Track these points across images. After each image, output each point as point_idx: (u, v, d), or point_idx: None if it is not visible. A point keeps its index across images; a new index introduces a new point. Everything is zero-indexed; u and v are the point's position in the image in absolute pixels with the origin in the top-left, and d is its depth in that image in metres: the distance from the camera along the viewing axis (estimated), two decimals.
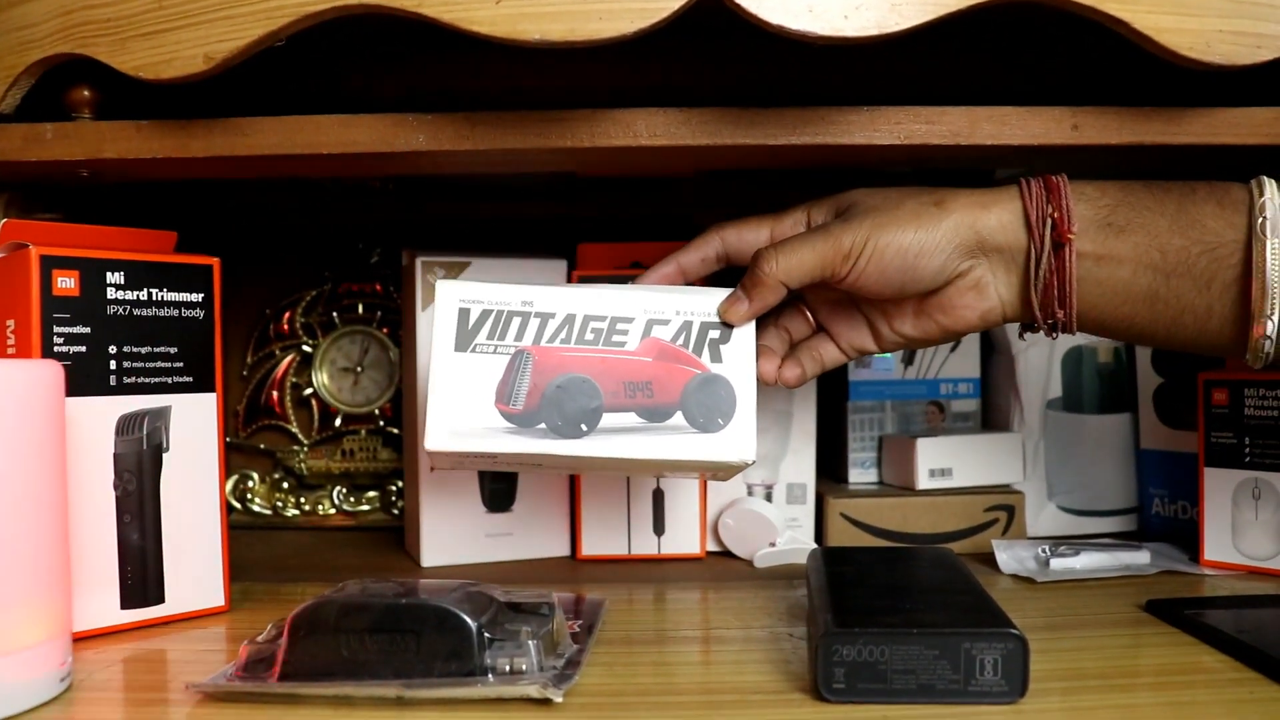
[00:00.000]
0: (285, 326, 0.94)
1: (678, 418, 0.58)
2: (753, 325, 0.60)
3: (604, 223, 0.88)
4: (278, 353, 0.94)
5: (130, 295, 0.60)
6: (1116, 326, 0.58)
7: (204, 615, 0.63)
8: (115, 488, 0.59)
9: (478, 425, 0.57)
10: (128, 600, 0.60)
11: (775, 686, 0.50)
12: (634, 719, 0.46)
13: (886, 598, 0.52)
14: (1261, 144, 0.58)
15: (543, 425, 0.58)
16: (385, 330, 0.94)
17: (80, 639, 0.57)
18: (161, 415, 0.61)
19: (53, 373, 0.50)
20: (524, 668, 0.48)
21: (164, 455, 0.61)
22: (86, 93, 0.62)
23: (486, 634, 0.49)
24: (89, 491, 0.58)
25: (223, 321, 0.64)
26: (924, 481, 0.81)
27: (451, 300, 0.59)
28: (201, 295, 0.63)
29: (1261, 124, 0.58)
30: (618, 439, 0.58)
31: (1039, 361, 0.84)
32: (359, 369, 0.94)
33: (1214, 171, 0.57)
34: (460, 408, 0.57)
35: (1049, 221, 0.55)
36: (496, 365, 0.58)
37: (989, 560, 0.74)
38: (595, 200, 0.87)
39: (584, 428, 0.58)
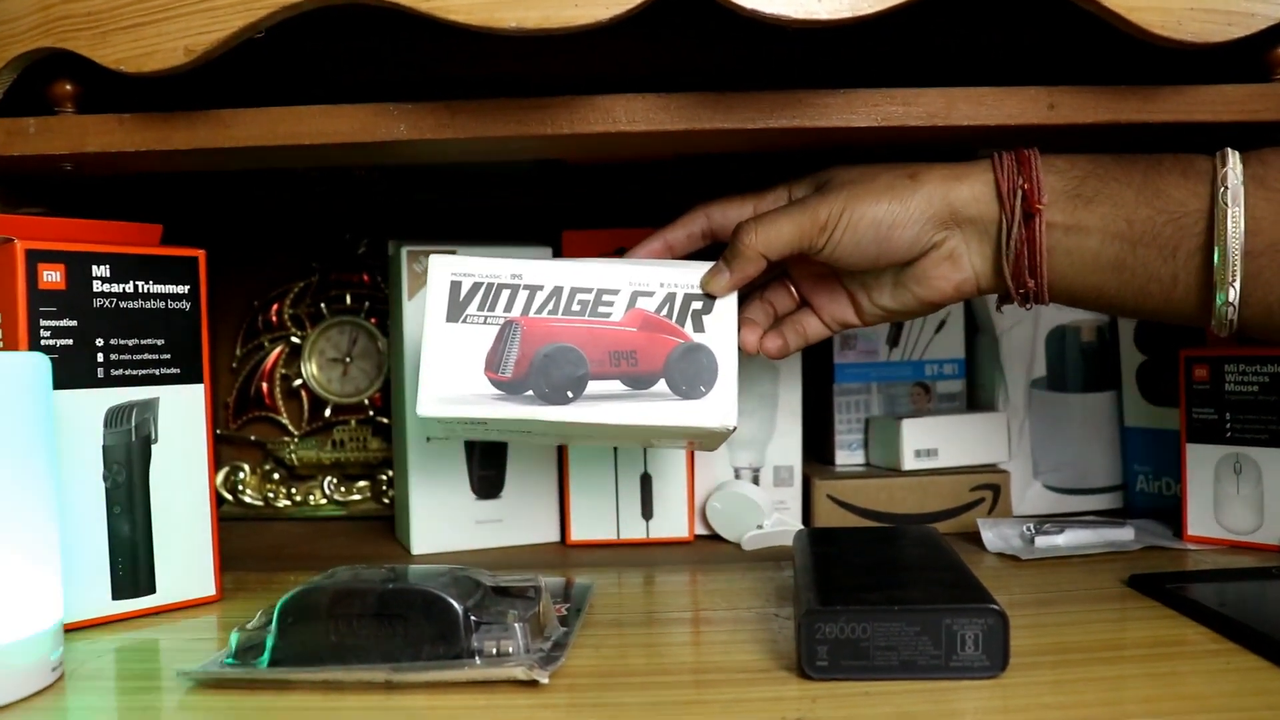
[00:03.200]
0: (274, 318, 0.94)
1: (661, 385, 0.60)
2: (734, 297, 0.61)
3: (588, 209, 0.89)
4: (266, 344, 0.94)
5: (116, 288, 0.60)
6: (1086, 295, 0.59)
7: (195, 605, 0.63)
8: (105, 479, 0.60)
9: (468, 392, 0.59)
10: (119, 591, 0.60)
11: (761, 665, 0.50)
12: (621, 699, 0.47)
13: (869, 576, 0.53)
14: (1235, 120, 0.58)
15: (530, 392, 0.59)
16: (374, 320, 0.94)
17: (72, 629, 0.57)
18: (150, 407, 0.61)
19: (40, 365, 0.50)
20: (510, 650, 0.49)
21: (153, 446, 0.61)
22: (68, 87, 0.62)
23: (473, 617, 0.49)
24: (79, 483, 0.59)
25: (211, 314, 0.64)
26: (910, 462, 0.81)
27: (444, 273, 0.60)
28: (187, 287, 0.63)
29: (1234, 101, 0.59)
30: (603, 406, 0.59)
31: (1023, 341, 0.85)
32: (348, 359, 0.94)
33: (1190, 150, 0.57)
34: (451, 375, 0.59)
35: (1020, 193, 0.56)
36: (486, 335, 0.60)
37: (975, 539, 0.74)
38: (579, 187, 0.87)
39: (570, 395, 0.59)
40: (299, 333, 0.94)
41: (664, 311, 0.61)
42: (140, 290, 0.61)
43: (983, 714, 0.44)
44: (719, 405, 0.60)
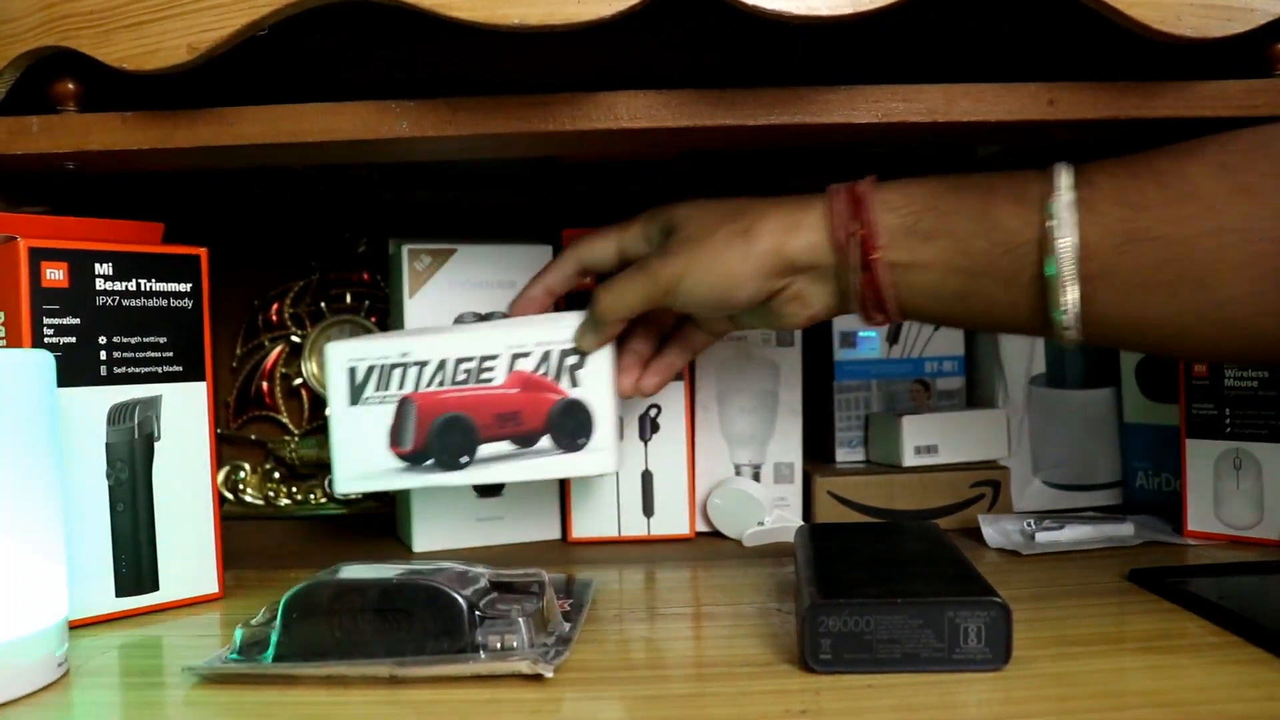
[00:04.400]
0: (274, 317, 0.95)
1: (545, 440, 0.66)
2: (610, 349, 0.66)
3: (589, 208, 0.89)
4: (267, 344, 0.94)
5: (119, 286, 0.60)
6: (936, 319, 0.61)
7: (198, 602, 0.64)
8: (108, 477, 0.60)
9: (377, 468, 0.66)
10: (122, 588, 0.60)
11: (764, 659, 0.50)
12: (625, 692, 0.47)
13: (871, 570, 0.53)
14: (1235, 116, 0.59)
15: (431, 461, 0.66)
16: (374, 319, 0.94)
17: (76, 627, 0.57)
18: (152, 405, 0.62)
19: (44, 362, 0.51)
20: (515, 645, 0.49)
21: (155, 444, 0.62)
22: (71, 85, 0.62)
23: (478, 612, 0.49)
24: (82, 481, 0.59)
25: (211, 314, 0.64)
26: (910, 459, 0.81)
27: (340, 362, 0.67)
28: (190, 285, 0.63)
29: (1234, 96, 0.59)
30: (495, 466, 0.66)
31: (1022, 338, 0.85)
32: None
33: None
34: (360, 454, 0.66)
35: (856, 239, 0.56)
36: (386, 413, 0.66)
37: (976, 535, 0.75)
38: (580, 186, 0.87)
39: (464, 460, 0.66)
40: (299, 332, 0.94)
41: (542, 370, 0.66)
42: (143, 288, 0.61)
43: (986, 706, 0.44)
44: (599, 454, 0.66)
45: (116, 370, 0.60)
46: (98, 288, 0.59)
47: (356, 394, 0.66)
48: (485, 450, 0.66)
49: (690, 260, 0.59)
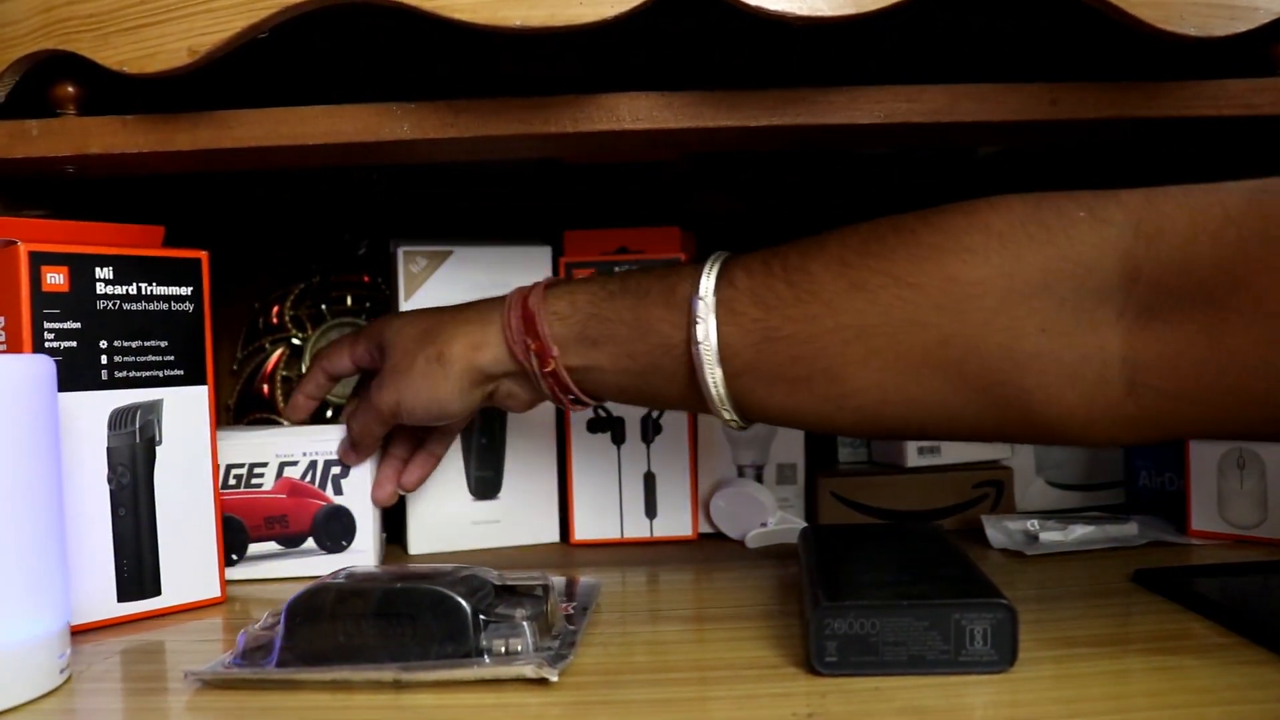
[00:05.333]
0: (274, 319, 0.94)
1: (310, 543, 0.71)
2: (370, 460, 0.72)
3: (591, 209, 0.89)
4: (267, 346, 0.94)
5: (120, 290, 0.60)
6: (630, 404, 0.64)
7: (201, 606, 0.63)
8: (109, 481, 0.59)
9: None
10: (124, 593, 0.60)
11: (769, 661, 0.50)
12: (630, 696, 0.47)
13: (877, 572, 0.53)
14: (1238, 115, 0.59)
15: None
16: None
17: (78, 632, 0.57)
18: (154, 409, 0.61)
19: (45, 367, 0.50)
20: (519, 649, 0.49)
21: (157, 448, 0.61)
22: (71, 89, 0.62)
23: (482, 616, 0.49)
24: (83, 485, 0.58)
25: (212, 316, 0.64)
26: (913, 459, 0.81)
27: None
28: (191, 289, 0.63)
29: (1236, 96, 0.59)
30: (263, 564, 0.71)
31: None
32: None
33: (1194, 143, 0.57)
34: None
35: (531, 351, 0.60)
36: None
37: (979, 536, 0.74)
38: (582, 187, 0.87)
39: (234, 557, 0.70)
40: (300, 334, 0.94)
41: (308, 477, 0.71)
42: (144, 292, 0.61)
43: (993, 708, 0.44)
44: (360, 555, 0.72)
45: (117, 374, 0.60)
46: (98, 292, 0.59)
47: None
48: (254, 549, 0.71)
49: (400, 390, 0.63)
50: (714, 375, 0.55)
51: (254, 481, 0.71)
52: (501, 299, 0.62)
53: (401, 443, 0.73)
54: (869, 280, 0.52)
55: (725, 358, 0.54)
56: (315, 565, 0.71)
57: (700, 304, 0.54)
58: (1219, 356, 0.46)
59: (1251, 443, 0.71)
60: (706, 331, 0.54)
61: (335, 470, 0.72)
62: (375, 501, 0.72)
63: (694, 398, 0.57)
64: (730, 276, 0.55)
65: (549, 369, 0.59)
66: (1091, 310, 0.48)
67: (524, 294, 0.60)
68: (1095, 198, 0.49)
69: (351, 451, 0.71)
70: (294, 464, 0.72)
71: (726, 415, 0.57)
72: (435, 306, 0.67)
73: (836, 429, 0.58)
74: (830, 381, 0.53)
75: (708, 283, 0.55)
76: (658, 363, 0.57)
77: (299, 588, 0.51)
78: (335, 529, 0.72)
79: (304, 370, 0.93)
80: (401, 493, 0.74)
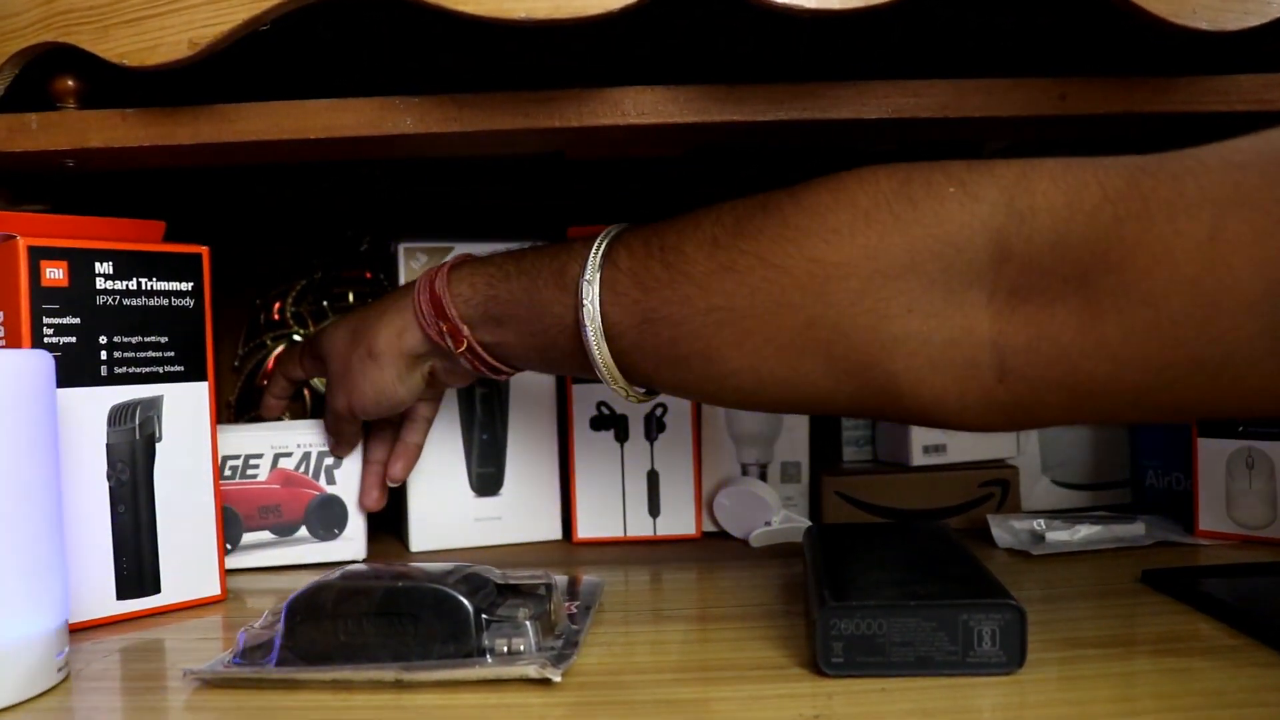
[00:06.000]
0: (276, 316, 0.94)
1: (303, 531, 0.73)
2: (359, 452, 0.74)
3: (592, 205, 0.88)
4: (269, 343, 0.94)
5: (120, 285, 0.60)
6: (553, 374, 0.67)
7: (200, 604, 0.63)
8: (109, 478, 0.59)
9: None
10: (124, 590, 0.60)
11: (774, 662, 0.50)
12: (634, 696, 0.46)
13: (883, 572, 0.52)
14: (1249, 110, 0.58)
15: None
16: None
17: (76, 630, 0.57)
18: (154, 405, 0.61)
19: (43, 362, 0.50)
20: (522, 648, 0.48)
21: (157, 445, 0.61)
22: (71, 82, 0.61)
23: (484, 615, 0.49)
24: (83, 482, 0.58)
25: (214, 312, 0.64)
26: (918, 458, 0.81)
27: None
28: (191, 284, 0.63)
29: (1249, 91, 0.58)
30: (256, 553, 0.72)
31: None
32: None
33: (1205, 139, 0.57)
34: None
35: (445, 334, 0.60)
36: None
37: (984, 536, 0.74)
38: (585, 183, 0.87)
39: (229, 546, 0.71)
40: (301, 331, 0.94)
41: (302, 468, 0.73)
42: (144, 287, 0.61)
43: (1002, 710, 0.43)
44: (350, 544, 0.74)
45: (117, 370, 0.59)
46: (98, 287, 0.59)
47: None
48: (249, 538, 0.72)
49: (346, 391, 0.66)
50: (601, 354, 0.55)
51: (249, 472, 0.72)
52: (408, 286, 0.63)
53: (378, 445, 0.75)
54: (738, 261, 0.51)
55: (611, 337, 0.54)
56: (307, 553, 0.73)
57: (586, 286, 0.54)
58: (1090, 344, 0.44)
59: (1260, 443, 0.70)
60: (592, 314, 0.54)
61: (328, 461, 0.74)
62: (363, 508, 0.74)
63: (594, 371, 0.57)
64: (614, 256, 0.55)
65: (463, 348, 0.60)
66: (961, 291, 0.47)
67: (430, 278, 0.61)
68: (969, 170, 0.47)
69: (336, 447, 0.74)
70: (288, 455, 0.73)
71: (619, 389, 0.57)
72: (362, 306, 0.71)
73: (724, 404, 0.58)
74: (707, 363, 0.53)
75: (593, 264, 0.55)
76: (555, 340, 0.57)
77: (297, 580, 0.50)
78: (327, 517, 0.74)
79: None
80: (392, 484, 0.75)
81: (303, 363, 0.73)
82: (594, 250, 0.55)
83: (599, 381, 0.57)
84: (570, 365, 0.59)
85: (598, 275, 0.54)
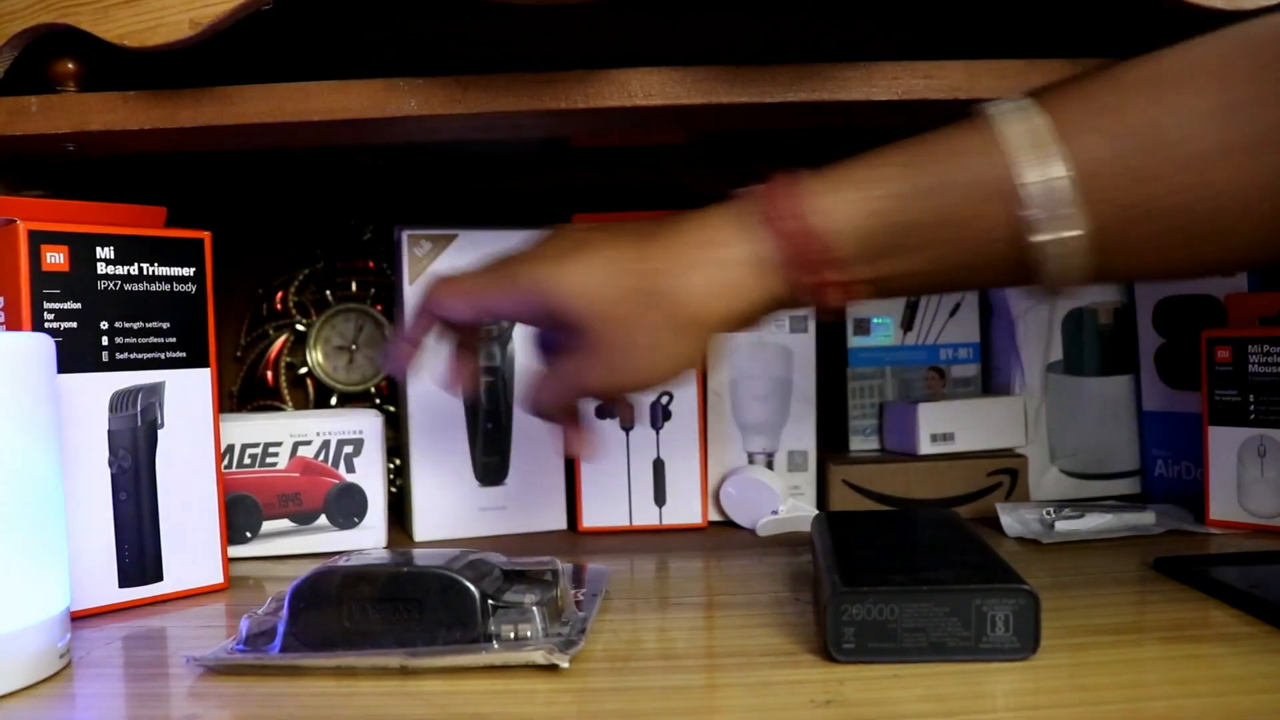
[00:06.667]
0: (278, 305, 0.93)
1: (323, 519, 0.72)
2: (380, 439, 0.74)
3: (599, 193, 0.88)
4: (271, 332, 0.93)
5: (121, 270, 0.59)
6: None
7: (203, 592, 0.62)
8: (110, 465, 0.58)
9: None
10: (126, 578, 0.59)
11: (784, 649, 0.49)
12: (642, 682, 0.45)
13: (894, 558, 0.52)
14: None
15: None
16: (379, 307, 0.93)
17: (78, 618, 0.56)
18: (155, 391, 0.60)
19: (43, 345, 0.49)
20: (529, 634, 0.48)
21: (159, 431, 0.60)
22: (71, 65, 0.61)
23: (490, 601, 0.48)
24: (84, 469, 0.57)
25: (215, 302, 0.63)
26: (926, 447, 0.80)
27: None
28: (193, 270, 0.62)
29: None
30: (276, 541, 0.72)
31: (1039, 324, 0.84)
32: (354, 347, 0.93)
33: None
34: None
35: (810, 288, 0.47)
36: None
37: (993, 524, 0.73)
38: (590, 170, 0.86)
39: (248, 534, 0.71)
40: (304, 320, 0.93)
41: (321, 456, 0.72)
42: (145, 272, 0.60)
43: (1016, 696, 0.43)
44: (371, 531, 0.73)
45: (119, 356, 0.59)
46: (99, 272, 0.58)
47: None
48: (268, 526, 0.72)
49: (624, 371, 0.49)
50: (1070, 258, 0.45)
51: (268, 461, 0.72)
52: (713, 213, 0.49)
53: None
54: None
55: (1086, 234, 0.44)
56: (327, 541, 0.72)
57: (1043, 188, 0.44)
58: None
59: (1272, 430, 0.69)
60: (1062, 215, 0.44)
61: (348, 449, 0.73)
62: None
63: (1024, 276, 0.47)
64: (1073, 140, 0.44)
65: (832, 296, 0.47)
66: None
67: (776, 214, 0.47)
68: None
69: (579, 447, 0.57)
70: (307, 443, 0.72)
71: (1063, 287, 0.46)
72: (598, 237, 0.50)
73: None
74: (1215, 243, 0.45)
75: (1040, 154, 0.44)
76: (980, 256, 0.46)
77: (308, 568, 0.50)
78: (347, 506, 0.73)
79: (311, 355, 0.92)
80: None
81: (489, 303, 0.52)
82: (1031, 138, 0.44)
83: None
84: (986, 279, 0.51)
85: (1062, 166, 0.44)
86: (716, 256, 0.47)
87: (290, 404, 0.93)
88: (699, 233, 0.48)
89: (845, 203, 0.46)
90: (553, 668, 0.46)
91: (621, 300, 0.48)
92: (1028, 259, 0.45)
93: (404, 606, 0.48)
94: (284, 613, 0.49)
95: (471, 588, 0.48)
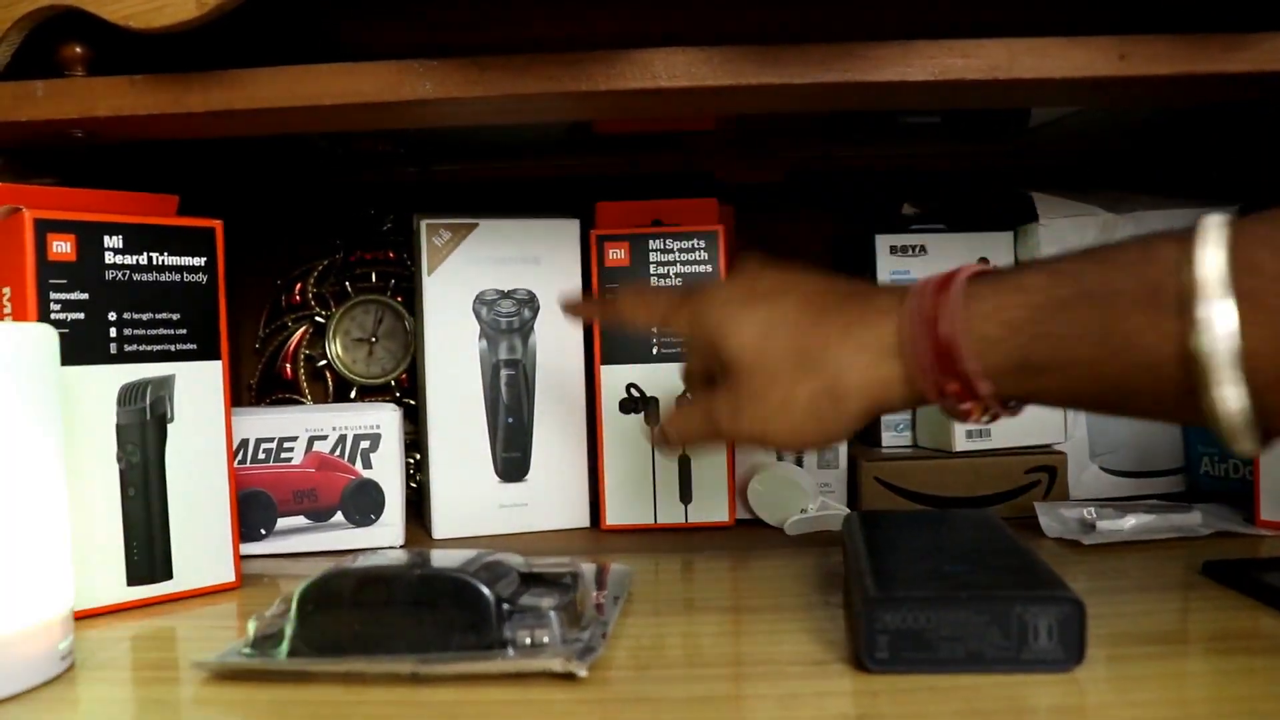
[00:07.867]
0: (297, 297, 0.92)
1: (339, 516, 0.71)
2: (398, 435, 0.72)
3: (621, 180, 0.86)
4: (290, 324, 0.92)
5: (130, 260, 0.57)
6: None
7: (214, 591, 0.61)
8: (118, 460, 0.57)
9: None
10: (134, 577, 0.58)
11: (814, 657, 0.47)
12: (664, 693, 0.43)
13: (930, 562, 0.49)
14: None
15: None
16: (399, 299, 0.91)
17: (84, 617, 0.55)
18: (165, 384, 0.59)
19: (46, 336, 0.48)
20: (545, 640, 0.46)
21: (169, 426, 0.59)
22: (78, 49, 0.59)
23: (506, 605, 0.46)
24: (91, 464, 0.56)
25: (233, 294, 0.62)
26: (961, 443, 0.77)
27: None
28: (204, 259, 0.60)
29: None
30: (292, 538, 0.70)
31: None
32: (373, 339, 0.91)
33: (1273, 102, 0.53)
34: None
35: (950, 393, 0.47)
36: None
37: (1031, 524, 0.71)
38: (613, 156, 0.84)
39: (263, 531, 0.70)
40: (323, 312, 0.92)
41: (337, 451, 0.71)
42: (155, 262, 0.58)
43: (1061, 712, 0.40)
44: (388, 529, 0.71)
45: (127, 348, 0.57)
46: (107, 261, 0.57)
47: None
48: (283, 523, 0.70)
49: (770, 425, 0.50)
50: (1231, 396, 0.41)
51: (283, 456, 0.70)
52: (881, 298, 0.49)
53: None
54: None
55: (1253, 370, 0.40)
56: (344, 539, 0.71)
57: (1212, 306, 0.40)
58: None
59: None
60: (1226, 344, 0.40)
61: (365, 444, 0.71)
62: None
63: (1184, 414, 0.44)
64: (1248, 260, 0.40)
65: (971, 406, 0.47)
66: None
67: (929, 315, 0.46)
68: None
69: (662, 447, 0.58)
70: (323, 438, 0.71)
71: (1243, 445, 0.42)
72: (778, 290, 0.52)
73: None
74: None
75: (1218, 273, 0.40)
76: (1130, 383, 0.43)
77: (315, 571, 0.48)
78: (364, 502, 0.71)
79: (331, 347, 0.91)
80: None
81: (667, 323, 0.56)
82: (1206, 254, 0.41)
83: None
84: (1135, 409, 0.47)
85: (1231, 289, 0.40)
86: (873, 345, 0.48)
87: (309, 397, 0.91)
88: (867, 314, 0.49)
89: (988, 315, 0.45)
90: (570, 676, 0.44)
91: (784, 359, 0.50)
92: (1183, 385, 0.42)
93: (416, 610, 0.46)
94: (292, 615, 0.47)
95: (486, 591, 0.45)
